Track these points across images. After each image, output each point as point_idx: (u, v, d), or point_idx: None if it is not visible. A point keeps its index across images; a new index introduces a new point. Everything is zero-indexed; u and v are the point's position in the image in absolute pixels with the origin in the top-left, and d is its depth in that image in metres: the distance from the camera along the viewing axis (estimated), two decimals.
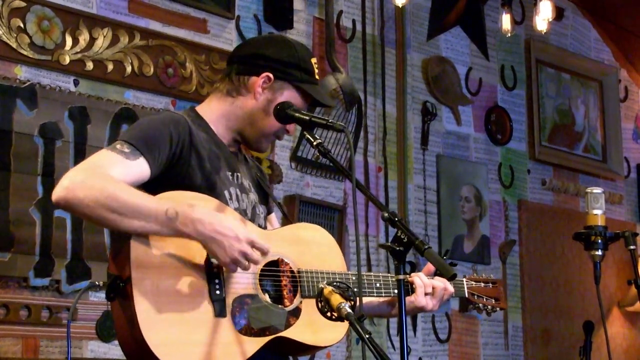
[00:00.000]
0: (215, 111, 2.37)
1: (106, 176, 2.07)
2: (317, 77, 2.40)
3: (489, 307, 2.73)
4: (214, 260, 2.14)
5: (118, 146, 2.14)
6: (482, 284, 2.74)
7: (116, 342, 2.55)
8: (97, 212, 2.04)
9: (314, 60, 2.40)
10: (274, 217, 2.56)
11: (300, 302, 2.28)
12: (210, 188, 2.24)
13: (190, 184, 2.21)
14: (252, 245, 2.12)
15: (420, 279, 2.52)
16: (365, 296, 2.46)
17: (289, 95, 2.34)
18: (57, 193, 2.06)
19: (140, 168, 2.14)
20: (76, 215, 2.13)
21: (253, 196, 2.39)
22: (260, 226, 2.37)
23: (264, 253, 2.16)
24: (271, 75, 2.32)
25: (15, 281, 3.48)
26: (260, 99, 2.33)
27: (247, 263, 2.12)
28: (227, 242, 2.08)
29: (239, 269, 2.14)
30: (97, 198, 2.03)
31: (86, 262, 3.64)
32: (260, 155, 4.33)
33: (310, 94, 2.36)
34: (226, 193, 2.28)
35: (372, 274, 2.48)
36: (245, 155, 2.50)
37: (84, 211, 2.05)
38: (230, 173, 2.33)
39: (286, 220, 2.53)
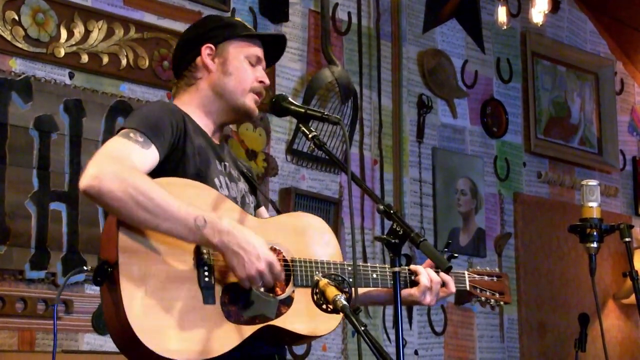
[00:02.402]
0: (189, 104, 2.39)
1: (135, 170, 2.08)
2: (249, 27, 2.48)
3: (492, 300, 2.66)
4: (203, 249, 2.15)
5: (132, 135, 2.14)
6: (486, 277, 2.68)
7: None
8: (127, 207, 2.04)
9: (238, 18, 2.49)
10: (264, 211, 2.57)
11: (293, 291, 2.27)
12: (202, 175, 2.26)
13: (183, 172, 2.23)
14: (270, 267, 2.16)
15: (429, 275, 2.49)
16: (361, 287, 2.46)
17: (236, 49, 2.40)
18: (87, 182, 2.04)
19: (154, 156, 2.16)
20: (101, 206, 2.12)
21: (242, 185, 2.41)
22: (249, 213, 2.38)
23: (278, 279, 2.19)
24: (210, 45, 2.39)
25: (11, 274, 3.48)
26: (214, 67, 2.39)
27: (260, 283, 2.16)
28: (247, 258, 2.12)
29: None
30: (130, 193, 2.03)
31: (82, 255, 3.64)
32: (256, 148, 4.33)
33: (254, 34, 2.45)
34: (216, 180, 2.30)
35: (368, 265, 2.47)
36: (229, 149, 2.51)
37: (113, 204, 2.04)
38: (218, 162, 2.35)
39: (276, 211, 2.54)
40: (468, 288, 2.64)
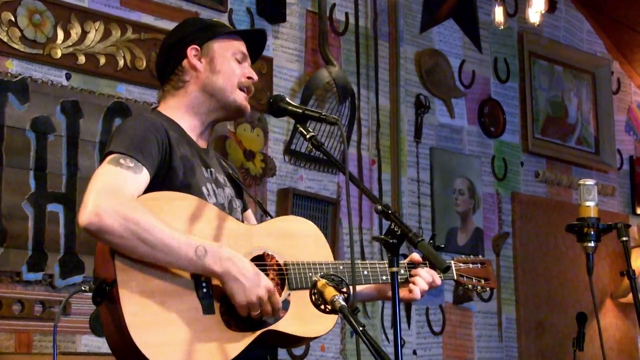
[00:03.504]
0: (177, 107, 2.39)
1: (133, 202, 2.08)
2: (229, 25, 2.52)
3: (479, 287, 2.70)
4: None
5: (122, 161, 2.14)
6: (471, 265, 2.71)
7: None
8: (128, 243, 2.06)
9: (216, 19, 2.52)
10: (250, 213, 2.58)
11: (289, 295, 2.29)
12: (189, 186, 2.26)
13: (170, 185, 2.23)
14: (270, 295, 2.18)
15: (424, 278, 2.53)
16: (359, 284, 2.47)
17: (221, 47, 2.41)
18: (87, 218, 2.04)
19: (146, 179, 2.17)
20: (102, 242, 2.10)
21: (229, 190, 2.42)
22: (237, 220, 2.38)
23: (275, 309, 2.20)
24: (195, 46, 2.40)
25: (8, 276, 3.48)
26: (202, 67, 2.39)
27: (259, 310, 2.17)
28: (248, 284, 2.14)
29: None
30: (131, 229, 2.04)
31: (79, 257, 3.64)
32: (254, 148, 4.33)
33: (236, 31, 2.48)
34: (204, 189, 2.30)
35: (358, 262, 2.48)
36: (215, 152, 2.52)
37: (115, 240, 2.05)
38: (204, 169, 2.35)
39: (261, 210, 2.56)
40: (456, 277, 2.66)
